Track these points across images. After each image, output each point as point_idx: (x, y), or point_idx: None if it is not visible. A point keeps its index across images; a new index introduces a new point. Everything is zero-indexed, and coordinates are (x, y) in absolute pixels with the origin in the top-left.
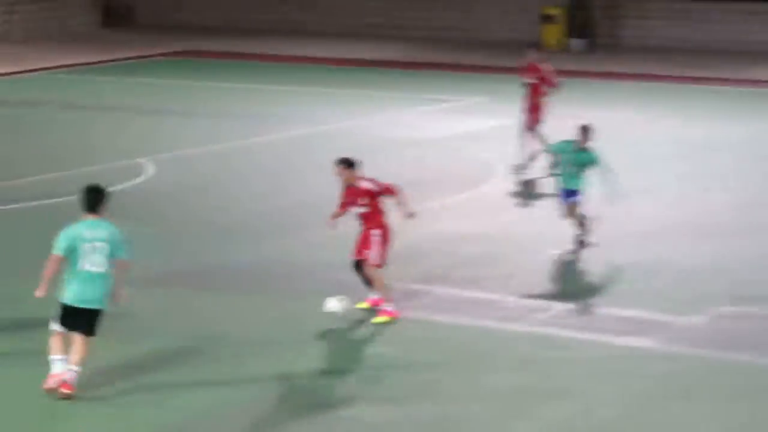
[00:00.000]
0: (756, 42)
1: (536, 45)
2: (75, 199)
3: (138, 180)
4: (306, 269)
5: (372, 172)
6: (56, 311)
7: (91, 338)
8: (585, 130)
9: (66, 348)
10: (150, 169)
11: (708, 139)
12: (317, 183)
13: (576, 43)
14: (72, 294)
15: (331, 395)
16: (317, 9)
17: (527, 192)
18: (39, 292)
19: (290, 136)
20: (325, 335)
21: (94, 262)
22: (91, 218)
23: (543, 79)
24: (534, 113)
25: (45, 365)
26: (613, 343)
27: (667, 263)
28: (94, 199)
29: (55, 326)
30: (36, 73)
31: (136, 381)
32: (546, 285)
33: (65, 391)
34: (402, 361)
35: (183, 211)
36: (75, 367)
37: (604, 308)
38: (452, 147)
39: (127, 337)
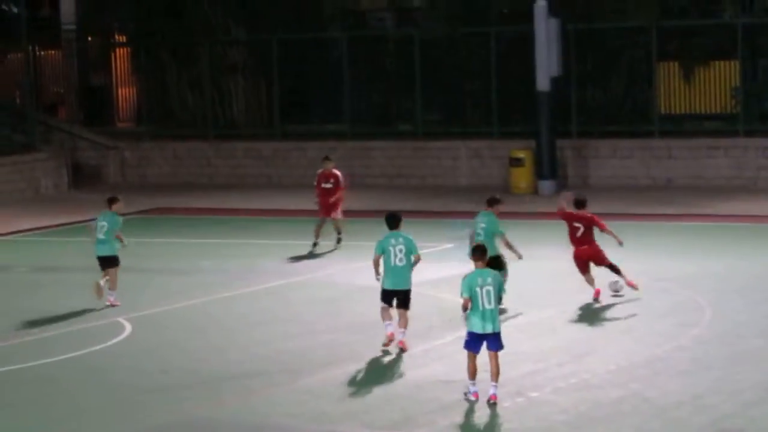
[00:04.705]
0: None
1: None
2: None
3: (118, 339)
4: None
5: (354, 317)
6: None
7: (407, 310)
8: None
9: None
10: (128, 328)
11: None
12: (297, 333)
13: (545, 185)
14: (390, 281)
15: None
16: (277, 162)
17: None
18: (377, 276)
19: (267, 288)
20: None
21: (399, 258)
22: (393, 232)
23: (337, 182)
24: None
25: None
26: None
27: None
28: (392, 220)
29: (382, 304)
30: (5, 237)
31: None
32: None
33: (401, 347)
34: None
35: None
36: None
37: None
38: (422, 292)
39: None
